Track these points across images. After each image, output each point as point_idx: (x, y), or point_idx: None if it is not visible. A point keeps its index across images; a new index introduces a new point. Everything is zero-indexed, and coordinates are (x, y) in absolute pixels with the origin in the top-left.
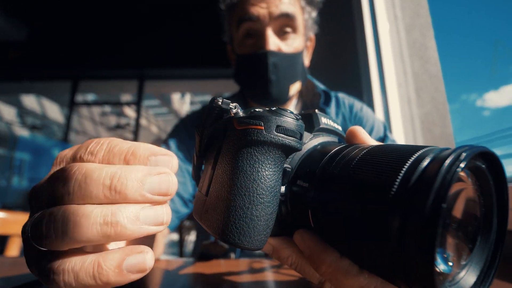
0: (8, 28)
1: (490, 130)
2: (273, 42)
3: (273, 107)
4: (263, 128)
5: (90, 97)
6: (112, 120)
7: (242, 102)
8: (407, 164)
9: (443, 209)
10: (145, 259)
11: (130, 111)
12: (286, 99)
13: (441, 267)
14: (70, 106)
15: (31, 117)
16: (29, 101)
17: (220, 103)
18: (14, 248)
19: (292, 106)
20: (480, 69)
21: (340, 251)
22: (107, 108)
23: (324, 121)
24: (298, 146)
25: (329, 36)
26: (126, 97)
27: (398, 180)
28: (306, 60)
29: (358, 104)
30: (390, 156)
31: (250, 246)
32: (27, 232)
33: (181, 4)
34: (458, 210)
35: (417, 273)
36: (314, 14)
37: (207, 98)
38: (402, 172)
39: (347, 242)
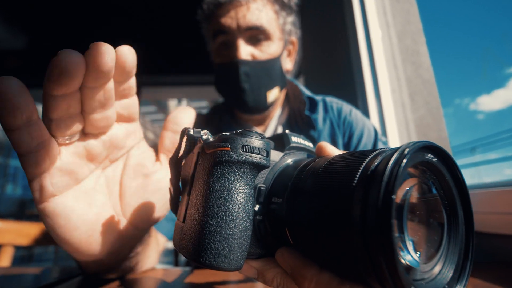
0: (7, 36)
1: (486, 133)
2: (245, 51)
3: (239, 130)
4: (229, 149)
5: None
6: None
7: (229, 109)
8: (362, 166)
9: (393, 200)
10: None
11: None
12: (265, 106)
13: (407, 258)
14: None
15: None
16: None
17: (191, 133)
18: (6, 258)
19: (277, 113)
20: (471, 74)
21: (320, 264)
22: None
23: (295, 139)
24: (266, 162)
25: (323, 43)
26: None
27: (355, 181)
28: (288, 64)
29: (347, 108)
30: (348, 161)
31: (227, 267)
32: None
33: (178, 11)
34: (420, 206)
35: (382, 268)
36: (290, 18)
37: (203, 104)
38: (358, 173)
39: (323, 253)
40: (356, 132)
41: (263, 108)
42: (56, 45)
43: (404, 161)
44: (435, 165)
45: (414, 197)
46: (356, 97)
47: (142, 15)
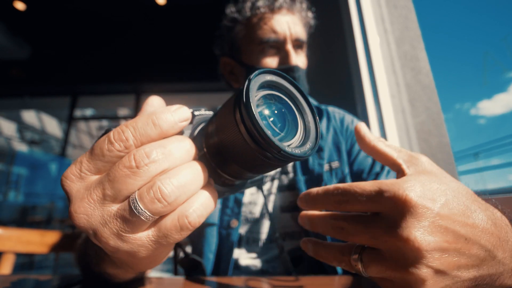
0: (12, 47)
1: (488, 138)
2: (295, 58)
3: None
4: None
5: (89, 112)
6: None
7: None
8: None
9: (247, 100)
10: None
11: None
12: None
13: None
14: (69, 121)
15: (30, 132)
16: (29, 116)
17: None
18: (7, 266)
19: None
20: (471, 79)
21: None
22: (105, 122)
23: (197, 113)
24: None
25: (321, 50)
26: (123, 111)
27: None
28: None
29: (348, 117)
30: (225, 105)
31: None
32: (136, 209)
33: (176, 21)
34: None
35: (254, 133)
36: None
37: (202, 111)
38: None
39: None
40: None
41: None
42: (58, 55)
43: (249, 82)
44: (277, 81)
45: (268, 100)
46: (355, 103)
47: (141, 24)
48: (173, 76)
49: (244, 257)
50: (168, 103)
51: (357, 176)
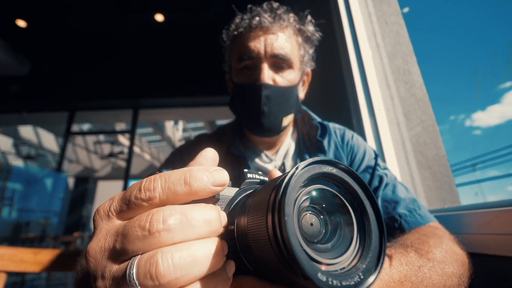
0: (12, 63)
1: (485, 149)
2: (268, 75)
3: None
4: None
5: (86, 126)
6: (106, 148)
7: (238, 130)
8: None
9: (283, 203)
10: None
11: (124, 139)
12: (279, 130)
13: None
14: (66, 136)
15: (26, 147)
16: (26, 131)
17: None
18: None
19: (289, 135)
20: (464, 91)
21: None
22: (101, 137)
23: (250, 175)
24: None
25: (317, 66)
26: (120, 126)
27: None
28: (301, 93)
29: (348, 133)
30: (265, 188)
31: None
32: (130, 280)
33: (174, 38)
34: (323, 207)
35: (287, 259)
36: (311, 51)
37: (200, 124)
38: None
39: (259, 265)
40: (358, 155)
41: (277, 131)
42: (56, 71)
43: (295, 178)
44: (335, 174)
45: (317, 201)
46: (351, 117)
47: (139, 41)
48: (170, 91)
49: None
50: (165, 117)
51: None
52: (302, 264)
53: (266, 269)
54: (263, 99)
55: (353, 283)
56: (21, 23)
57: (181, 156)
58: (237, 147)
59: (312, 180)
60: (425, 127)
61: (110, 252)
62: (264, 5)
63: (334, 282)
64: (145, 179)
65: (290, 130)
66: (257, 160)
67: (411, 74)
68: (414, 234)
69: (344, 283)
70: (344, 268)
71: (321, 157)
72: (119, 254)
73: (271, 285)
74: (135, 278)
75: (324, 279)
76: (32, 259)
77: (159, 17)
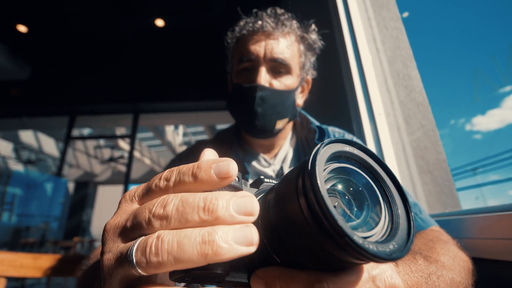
0: (12, 67)
1: (485, 153)
2: (265, 78)
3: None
4: None
5: (86, 131)
6: (106, 153)
7: (237, 134)
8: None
9: (316, 177)
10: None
11: (124, 144)
12: (272, 132)
13: (354, 225)
14: (66, 140)
15: (27, 151)
16: (26, 136)
17: None
18: None
19: (287, 140)
20: (464, 96)
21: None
22: (102, 142)
23: (267, 181)
24: (238, 185)
25: (317, 71)
26: (121, 130)
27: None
28: (299, 100)
29: (348, 137)
30: (285, 181)
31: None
32: (129, 256)
33: (174, 42)
34: (348, 186)
35: (330, 231)
36: (312, 59)
37: (200, 129)
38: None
39: (296, 248)
40: None
41: (270, 133)
42: (57, 76)
43: (318, 148)
44: (356, 154)
45: (341, 184)
46: (351, 122)
47: (140, 46)
48: (171, 95)
49: None
50: (165, 122)
51: None
52: (344, 228)
53: (298, 252)
54: (257, 100)
55: (388, 250)
56: (22, 28)
57: (181, 162)
58: (235, 150)
59: (335, 158)
60: (425, 131)
61: (121, 229)
62: (269, 10)
63: (371, 246)
64: (167, 170)
65: (288, 134)
66: (255, 164)
67: (411, 78)
68: (419, 239)
69: (380, 249)
70: (377, 240)
71: (343, 138)
72: (128, 232)
73: (300, 271)
74: (133, 255)
75: (361, 242)
76: (32, 264)
77: (160, 22)
